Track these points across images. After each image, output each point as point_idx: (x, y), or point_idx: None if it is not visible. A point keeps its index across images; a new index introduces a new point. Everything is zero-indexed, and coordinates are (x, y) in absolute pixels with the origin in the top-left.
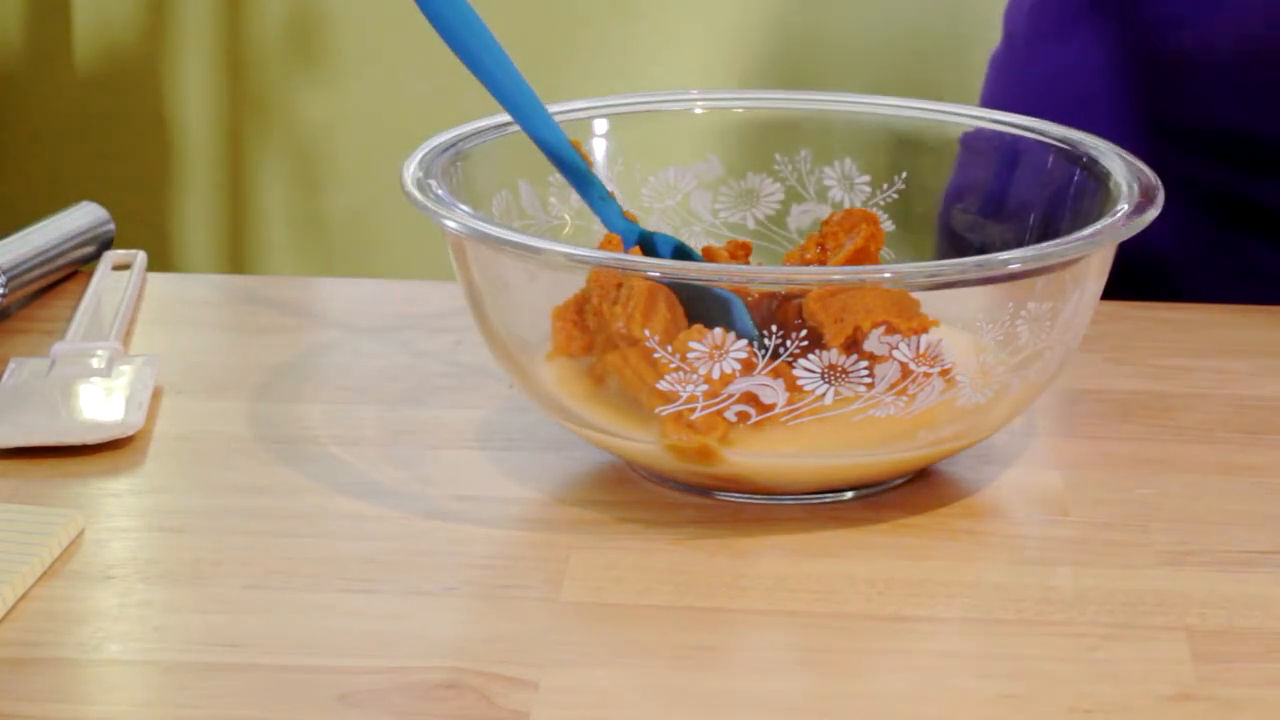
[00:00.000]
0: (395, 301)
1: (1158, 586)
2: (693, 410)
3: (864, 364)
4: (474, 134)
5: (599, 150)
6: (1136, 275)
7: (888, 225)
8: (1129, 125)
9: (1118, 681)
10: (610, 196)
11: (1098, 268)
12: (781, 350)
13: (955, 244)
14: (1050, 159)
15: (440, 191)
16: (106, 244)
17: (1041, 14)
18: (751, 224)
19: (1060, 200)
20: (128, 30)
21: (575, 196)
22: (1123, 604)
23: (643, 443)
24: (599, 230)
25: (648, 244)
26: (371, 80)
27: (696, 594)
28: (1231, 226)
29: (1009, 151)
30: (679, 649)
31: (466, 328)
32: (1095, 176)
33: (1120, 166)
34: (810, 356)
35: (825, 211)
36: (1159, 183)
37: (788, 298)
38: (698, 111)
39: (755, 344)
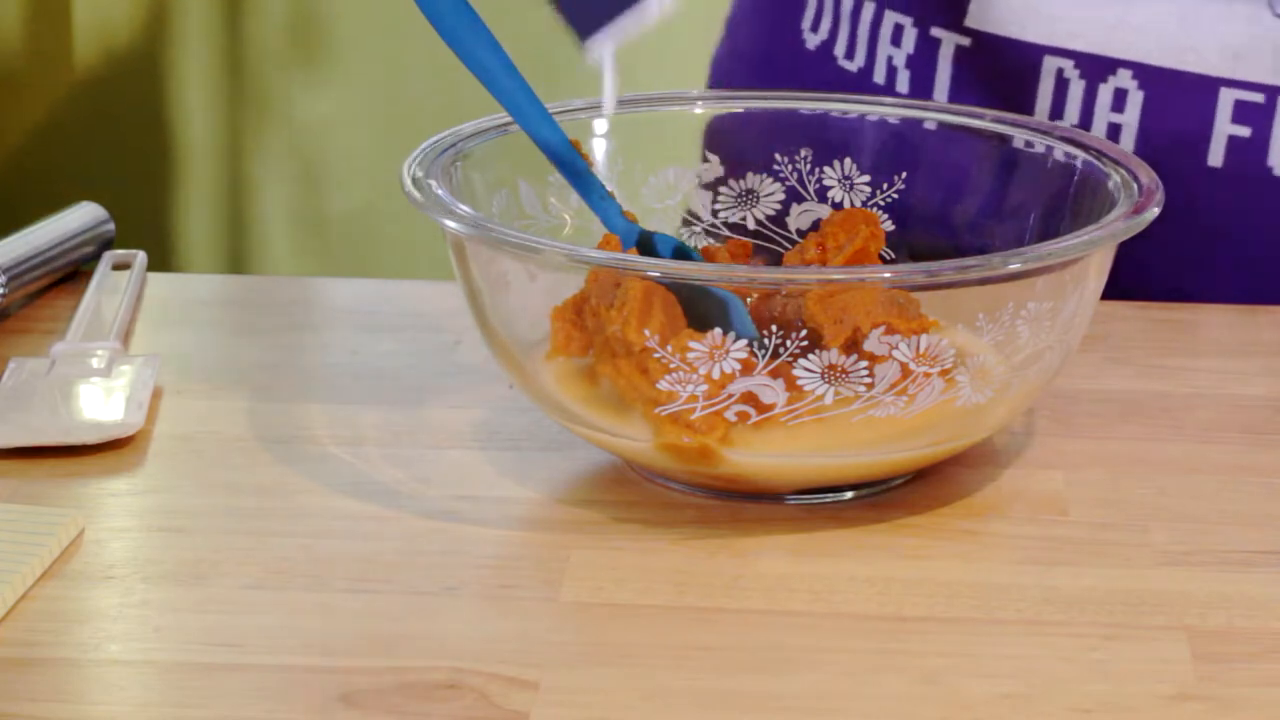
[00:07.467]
0: (395, 301)
1: (1158, 586)
2: (692, 410)
3: (864, 364)
4: (474, 134)
5: (599, 150)
6: None
7: (888, 225)
8: None
9: (1118, 681)
10: (610, 196)
11: (1098, 268)
12: (781, 350)
13: (955, 244)
14: (1050, 159)
15: (440, 191)
16: (106, 244)
17: None
18: (751, 224)
19: (1060, 200)
20: (128, 30)
21: (575, 196)
22: (1123, 604)
23: (642, 443)
24: (599, 230)
25: (647, 244)
26: (371, 80)
27: (696, 594)
28: None
29: (1009, 151)
30: (679, 649)
31: (466, 328)
32: (1095, 176)
33: (1120, 166)
34: (810, 356)
35: (825, 211)
36: (1159, 183)
37: (788, 298)
38: (698, 111)
39: (755, 344)
